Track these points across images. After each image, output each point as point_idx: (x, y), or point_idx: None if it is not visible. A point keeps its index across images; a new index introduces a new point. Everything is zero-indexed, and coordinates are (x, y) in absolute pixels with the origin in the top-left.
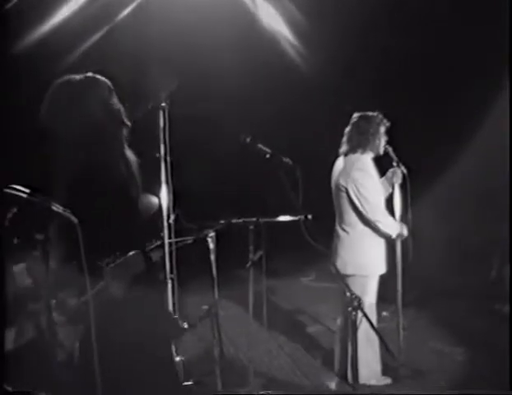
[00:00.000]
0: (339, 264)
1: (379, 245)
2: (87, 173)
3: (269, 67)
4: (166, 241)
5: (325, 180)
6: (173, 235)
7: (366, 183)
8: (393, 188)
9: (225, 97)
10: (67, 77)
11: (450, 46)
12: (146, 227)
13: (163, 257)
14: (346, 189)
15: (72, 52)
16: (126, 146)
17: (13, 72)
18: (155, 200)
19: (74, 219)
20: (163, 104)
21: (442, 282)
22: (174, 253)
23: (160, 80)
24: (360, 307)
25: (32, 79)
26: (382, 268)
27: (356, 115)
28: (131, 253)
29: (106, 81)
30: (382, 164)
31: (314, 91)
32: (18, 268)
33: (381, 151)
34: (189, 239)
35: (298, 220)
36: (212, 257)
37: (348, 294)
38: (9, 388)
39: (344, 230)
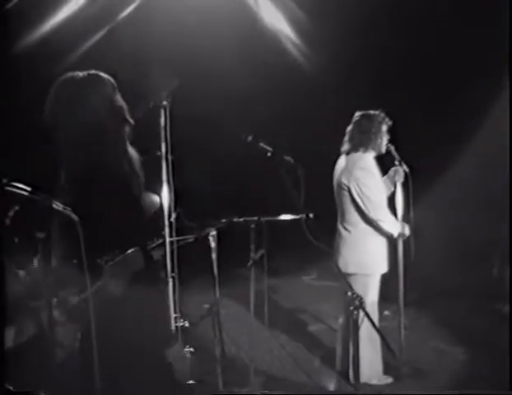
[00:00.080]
0: (341, 263)
1: (381, 244)
2: (89, 170)
3: (271, 66)
4: (167, 240)
5: (327, 179)
6: (174, 234)
7: (368, 182)
8: (395, 187)
9: (227, 97)
10: (70, 74)
11: (450, 46)
12: (148, 225)
13: (164, 256)
14: (349, 188)
15: (73, 52)
16: (128, 144)
17: (14, 72)
18: (156, 198)
19: (75, 217)
20: (164, 103)
21: (442, 282)
22: (175, 252)
23: (160, 80)
24: (361, 306)
25: (33, 79)
26: (384, 267)
27: (357, 114)
28: (130, 251)
29: (109, 78)
30: (384, 163)
31: (316, 90)
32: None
33: (383, 150)
34: (191, 238)
35: (299, 219)
36: (214, 255)
37: (350, 293)
38: (10, 388)
39: (346, 228)
